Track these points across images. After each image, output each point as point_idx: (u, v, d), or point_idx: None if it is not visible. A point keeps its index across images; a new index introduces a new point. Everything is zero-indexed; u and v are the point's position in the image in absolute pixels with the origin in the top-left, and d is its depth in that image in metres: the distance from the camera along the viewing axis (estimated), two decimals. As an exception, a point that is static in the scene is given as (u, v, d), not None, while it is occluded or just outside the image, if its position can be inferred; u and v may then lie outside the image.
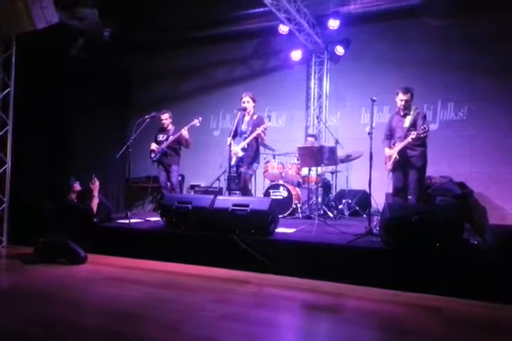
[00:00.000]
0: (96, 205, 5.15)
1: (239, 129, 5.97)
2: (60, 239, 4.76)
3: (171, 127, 6.72)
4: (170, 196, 5.56)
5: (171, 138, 6.50)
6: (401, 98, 5.29)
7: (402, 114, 5.35)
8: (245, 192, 5.88)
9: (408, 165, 5.23)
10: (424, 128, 4.97)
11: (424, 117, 5.31)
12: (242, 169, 5.82)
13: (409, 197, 5.28)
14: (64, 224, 4.84)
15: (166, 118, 6.71)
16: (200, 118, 6.46)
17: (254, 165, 5.91)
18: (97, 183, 5.21)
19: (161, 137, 6.70)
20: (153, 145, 6.65)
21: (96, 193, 5.17)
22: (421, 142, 5.17)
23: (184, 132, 6.36)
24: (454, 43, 7.32)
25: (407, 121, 5.25)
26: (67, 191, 5.05)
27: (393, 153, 5.25)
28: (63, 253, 4.76)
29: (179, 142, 6.57)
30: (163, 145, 6.55)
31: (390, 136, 5.47)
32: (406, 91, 5.28)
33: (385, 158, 5.45)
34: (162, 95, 9.54)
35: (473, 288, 3.65)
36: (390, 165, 5.34)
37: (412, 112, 5.28)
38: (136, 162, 6.90)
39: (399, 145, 5.19)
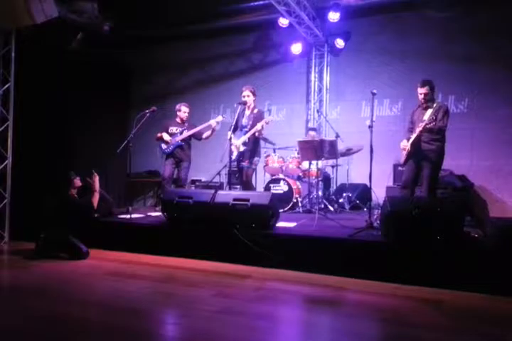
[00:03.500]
0: (97, 200, 5.15)
1: (239, 123, 5.97)
2: (62, 234, 4.78)
3: (186, 122, 6.57)
4: (171, 191, 5.57)
5: (187, 132, 6.38)
6: (419, 91, 5.13)
7: (423, 107, 5.18)
8: (248, 187, 5.88)
9: (423, 159, 5.06)
10: (432, 118, 4.83)
11: (446, 112, 5.05)
12: (244, 164, 5.81)
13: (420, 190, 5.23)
14: (65, 220, 4.85)
15: (188, 111, 6.53)
16: (224, 115, 6.51)
17: (256, 159, 5.91)
18: (97, 178, 5.21)
19: (174, 129, 6.47)
20: (167, 136, 6.39)
21: (97, 188, 5.17)
22: (439, 136, 5.02)
23: (214, 124, 6.23)
24: (454, 35, 7.27)
25: (427, 114, 5.05)
26: (67, 186, 5.05)
27: (407, 145, 5.13)
28: (65, 248, 4.78)
29: (194, 136, 6.49)
30: (179, 138, 6.38)
31: (412, 129, 5.27)
32: (423, 84, 5.10)
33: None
34: (162, 89, 9.52)
35: (473, 281, 3.66)
36: (403, 157, 5.21)
37: (434, 106, 5.09)
38: (137, 157, 6.90)
39: (412, 137, 5.07)
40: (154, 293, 3.59)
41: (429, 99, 5.15)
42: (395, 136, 6.53)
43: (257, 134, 5.76)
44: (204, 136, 6.42)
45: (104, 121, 8.31)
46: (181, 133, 6.44)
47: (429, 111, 5.08)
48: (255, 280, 4.01)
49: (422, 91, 5.13)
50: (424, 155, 5.05)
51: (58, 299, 3.40)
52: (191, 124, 6.53)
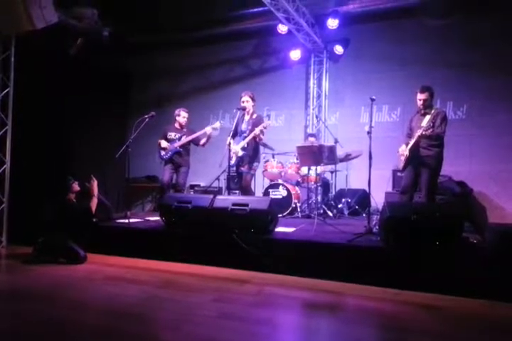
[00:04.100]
0: (95, 205, 5.13)
1: (239, 129, 5.97)
2: (60, 238, 4.76)
3: (185, 127, 6.58)
4: (169, 196, 5.56)
5: (185, 138, 6.38)
6: (419, 97, 5.17)
7: (422, 113, 5.21)
8: (247, 192, 5.87)
9: (421, 165, 5.08)
10: (429, 125, 4.86)
11: (444, 118, 5.08)
12: (243, 169, 5.80)
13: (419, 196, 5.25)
14: (63, 224, 4.84)
15: (187, 116, 6.54)
16: (221, 121, 6.52)
17: (255, 164, 5.91)
18: (95, 183, 5.19)
19: (172, 135, 6.48)
20: (165, 143, 6.43)
21: (95, 193, 5.16)
22: (437, 142, 5.04)
23: (209, 131, 6.22)
24: (452, 42, 7.32)
25: (425, 120, 5.08)
26: (65, 191, 5.04)
27: (405, 150, 5.16)
28: (63, 252, 4.75)
29: (192, 142, 6.48)
30: (177, 144, 6.40)
31: (410, 135, 5.30)
32: (423, 90, 5.14)
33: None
34: (161, 95, 9.54)
35: (473, 287, 3.65)
36: (402, 162, 5.23)
37: (432, 112, 5.12)
38: (136, 162, 6.88)
39: (410, 143, 5.09)
40: (153, 298, 3.56)
41: (427, 106, 5.18)
42: (394, 142, 6.51)
43: (257, 139, 5.77)
44: (201, 142, 6.42)
45: (103, 126, 8.31)
46: (179, 138, 6.44)
47: (427, 118, 5.10)
48: (254, 286, 3.99)
49: (421, 97, 5.16)
50: (423, 161, 5.07)
51: (56, 303, 3.38)
52: (190, 130, 6.53)
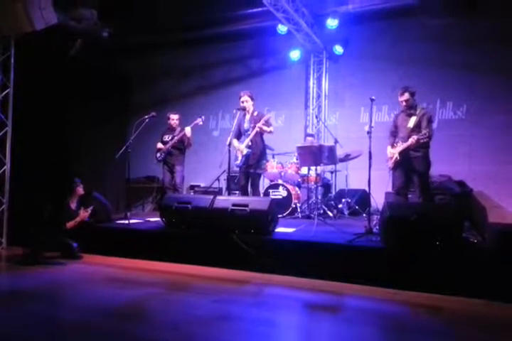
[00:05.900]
0: (72, 225, 5.19)
1: (242, 128, 5.94)
2: (54, 233, 4.78)
3: (177, 128, 6.70)
4: (170, 196, 5.57)
5: (176, 138, 6.51)
6: (400, 99, 5.21)
7: (407, 113, 5.22)
8: (254, 191, 5.85)
9: (411, 167, 5.11)
10: (425, 134, 4.86)
11: (430, 119, 5.11)
12: (251, 170, 5.76)
13: (410, 195, 5.27)
14: (61, 225, 4.86)
15: (176, 118, 6.73)
16: (202, 117, 6.53)
17: (263, 162, 5.89)
18: (87, 214, 5.27)
19: (166, 137, 6.68)
20: (159, 145, 6.65)
21: (78, 220, 5.23)
22: (425, 143, 5.05)
23: (188, 129, 6.38)
24: (452, 42, 7.33)
25: (412, 121, 5.10)
26: (68, 193, 5.05)
27: (394, 153, 5.17)
28: (57, 246, 4.78)
29: (183, 141, 6.57)
30: (168, 145, 6.54)
31: (395, 133, 5.34)
32: (402, 92, 5.18)
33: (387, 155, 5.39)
34: (161, 95, 9.55)
35: (472, 287, 3.65)
36: (391, 164, 5.25)
37: (417, 112, 5.13)
38: (136, 162, 6.89)
39: (400, 147, 5.09)
40: (152, 299, 3.57)
41: (410, 106, 5.21)
42: (394, 142, 6.54)
43: (265, 132, 5.76)
44: (185, 144, 6.57)
45: (103, 127, 8.31)
46: (171, 139, 6.59)
47: (413, 119, 5.13)
48: (254, 286, 4.00)
49: (402, 98, 5.21)
50: (412, 163, 5.11)
51: (56, 304, 3.39)
52: (182, 130, 6.59)
